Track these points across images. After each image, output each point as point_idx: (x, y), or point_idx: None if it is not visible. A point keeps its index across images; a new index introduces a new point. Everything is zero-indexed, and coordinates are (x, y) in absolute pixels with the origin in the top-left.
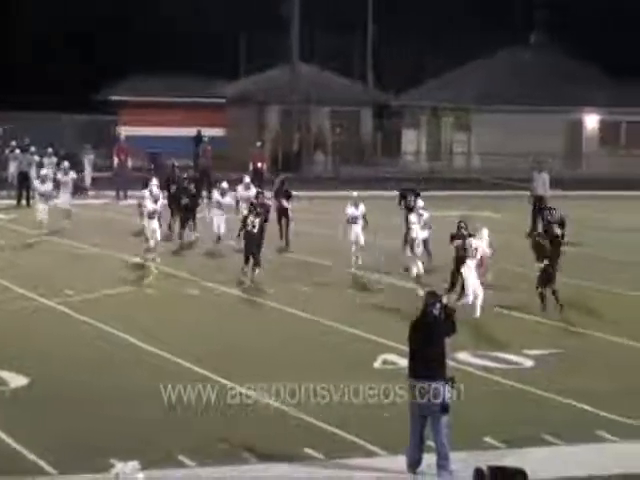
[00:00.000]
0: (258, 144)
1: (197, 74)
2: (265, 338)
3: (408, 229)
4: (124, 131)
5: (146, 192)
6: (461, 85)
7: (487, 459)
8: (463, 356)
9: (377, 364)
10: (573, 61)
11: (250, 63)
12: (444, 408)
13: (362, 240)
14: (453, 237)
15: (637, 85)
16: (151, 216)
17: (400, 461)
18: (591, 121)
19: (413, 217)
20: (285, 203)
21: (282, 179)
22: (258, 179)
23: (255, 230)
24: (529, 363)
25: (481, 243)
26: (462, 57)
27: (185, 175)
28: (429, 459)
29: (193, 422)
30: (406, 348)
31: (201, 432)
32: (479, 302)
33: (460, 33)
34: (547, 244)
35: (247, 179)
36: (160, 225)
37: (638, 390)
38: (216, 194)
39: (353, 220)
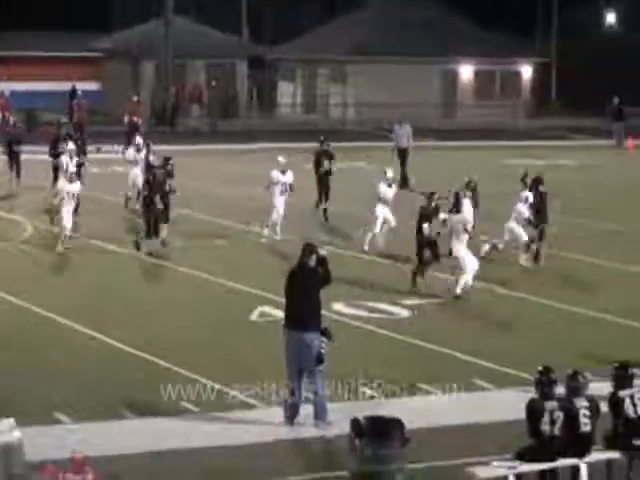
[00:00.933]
0: (134, 98)
1: (71, 28)
2: (142, 292)
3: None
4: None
5: (63, 160)
6: (336, 37)
7: (364, 409)
8: (338, 307)
9: (254, 316)
10: (446, 12)
11: (124, 17)
12: (319, 359)
13: (282, 210)
14: (424, 215)
15: (509, 36)
16: (70, 198)
17: (278, 413)
18: (466, 72)
19: (383, 187)
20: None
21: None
22: (134, 133)
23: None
24: (405, 313)
25: (467, 216)
26: (336, 9)
27: (72, 133)
28: (307, 410)
29: (67, 377)
30: (283, 300)
31: (76, 387)
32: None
33: None
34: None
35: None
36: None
37: (517, 340)
38: (131, 151)
39: (280, 188)
